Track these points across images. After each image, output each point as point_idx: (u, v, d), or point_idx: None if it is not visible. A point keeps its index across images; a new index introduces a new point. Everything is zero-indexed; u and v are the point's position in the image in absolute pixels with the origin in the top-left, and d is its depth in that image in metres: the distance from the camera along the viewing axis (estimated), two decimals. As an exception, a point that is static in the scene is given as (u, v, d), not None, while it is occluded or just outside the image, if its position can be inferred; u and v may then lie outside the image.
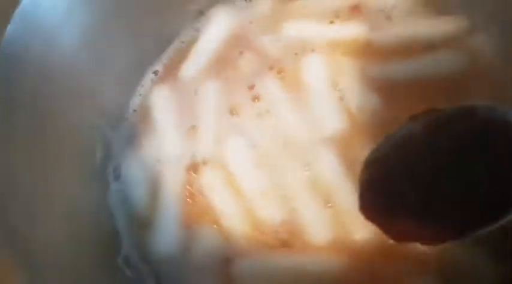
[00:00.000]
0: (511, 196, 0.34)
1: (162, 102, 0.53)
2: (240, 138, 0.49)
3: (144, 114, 0.53)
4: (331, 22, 0.53)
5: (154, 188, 0.50)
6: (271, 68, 0.51)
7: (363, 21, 0.52)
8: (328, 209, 0.45)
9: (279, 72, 0.51)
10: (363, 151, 0.46)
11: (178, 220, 0.48)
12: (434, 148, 0.37)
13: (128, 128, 0.53)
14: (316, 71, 0.51)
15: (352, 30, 0.52)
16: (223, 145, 0.49)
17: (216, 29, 0.55)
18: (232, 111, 0.50)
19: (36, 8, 0.42)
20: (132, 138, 0.52)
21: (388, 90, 0.49)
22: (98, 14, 0.46)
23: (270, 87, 0.51)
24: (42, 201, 0.41)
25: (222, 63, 0.53)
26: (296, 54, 0.52)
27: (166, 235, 0.47)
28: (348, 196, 0.45)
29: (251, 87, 0.51)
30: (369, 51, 0.51)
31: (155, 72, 0.54)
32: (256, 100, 0.51)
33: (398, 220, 0.38)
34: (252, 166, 0.48)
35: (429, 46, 0.50)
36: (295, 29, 0.53)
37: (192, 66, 0.54)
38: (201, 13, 0.55)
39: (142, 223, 0.49)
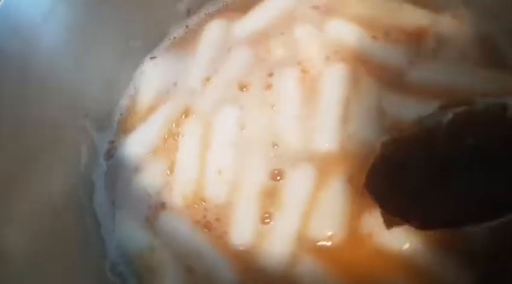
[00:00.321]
0: None
1: (214, 32, 0.54)
2: (234, 112, 0.49)
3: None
4: (374, 37, 0.49)
5: (154, 101, 0.51)
6: (298, 63, 0.50)
7: (406, 48, 0.48)
8: (262, 225, 0.44)
9: (303, 71, 0.50)
10: (338, 179, 0.45)
11: (148, 142, 0.50)
12: (458, 140, 0.37)
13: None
14: (335, 83, 0.48)
15: (391, 55, 0.48)
16: (218, 109, 0.50)
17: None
18: (242, 87, 0.50)
19: (18, 4, 0.41)
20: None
21: (391, 130, 0.45)
22: (82, 12, 0.46)
23: (287, 83, 0.50)
24: (25, 203, 0.40)
25: (264, 37, 0.53)
26: (327, 58, 0.50)
27: (132, 144, 0.50)
28: (289, 227, 0.44)
29: (270, 75, 0.50)
30: (396, 82, 0.47)
31: (152, 58, 0.54)
32: (268, 89, 0.50)
33: (398, 199, 0.39)
34: (228, 143, 0.48)
35: (462, 97, 0.44)
36: (337, 30, 0.51)
37: (247, 26, 0.54)
38: (189, 12, 0.55)
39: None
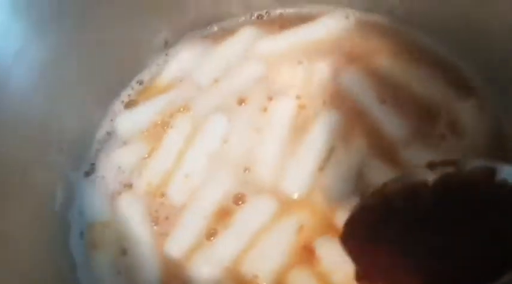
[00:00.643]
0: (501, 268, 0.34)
1: (243, 37, 0.54)
2: (224, 124, 0.49)
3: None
4: (383, 101, 0.48)
5: (171, 82, 0.53)
6: (297, 97, 0.50)
7: (411, 126, 0.47)
8: (206, 241, 0.45)
9: (299, 106, 0.49)
10: (290, 225, 0.45)
11: (141, 121, 0.51)
12: (443, 200, 0.36)
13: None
14: (325, 130, 0.48)
15: (392, 127, 0.47)
16: (212, 114, 0.50)
17: (320, 27, 0.54)
18: (241, 101, 0.50)
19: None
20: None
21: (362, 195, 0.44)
22: (54, 50, 0.45)
23: (281, 114, 0.49)
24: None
25: (282, 59, 0.52)
26: (324, 102, 0.49)
27: (130, 118, 0.52)
28: (226, 252, 0.44)
29: (270, 98, 0.50)
30: (386, 153, 0.46)
31: (140, 81, 0.54)
32: (264, 112, 0.50)
33: (375, 256, 0.38)
34: (207, 151, 0.49)
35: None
36: (349, 80, 0.49)
37: (275, 43, 0.54)
38: (167, 44, 0.54)
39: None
